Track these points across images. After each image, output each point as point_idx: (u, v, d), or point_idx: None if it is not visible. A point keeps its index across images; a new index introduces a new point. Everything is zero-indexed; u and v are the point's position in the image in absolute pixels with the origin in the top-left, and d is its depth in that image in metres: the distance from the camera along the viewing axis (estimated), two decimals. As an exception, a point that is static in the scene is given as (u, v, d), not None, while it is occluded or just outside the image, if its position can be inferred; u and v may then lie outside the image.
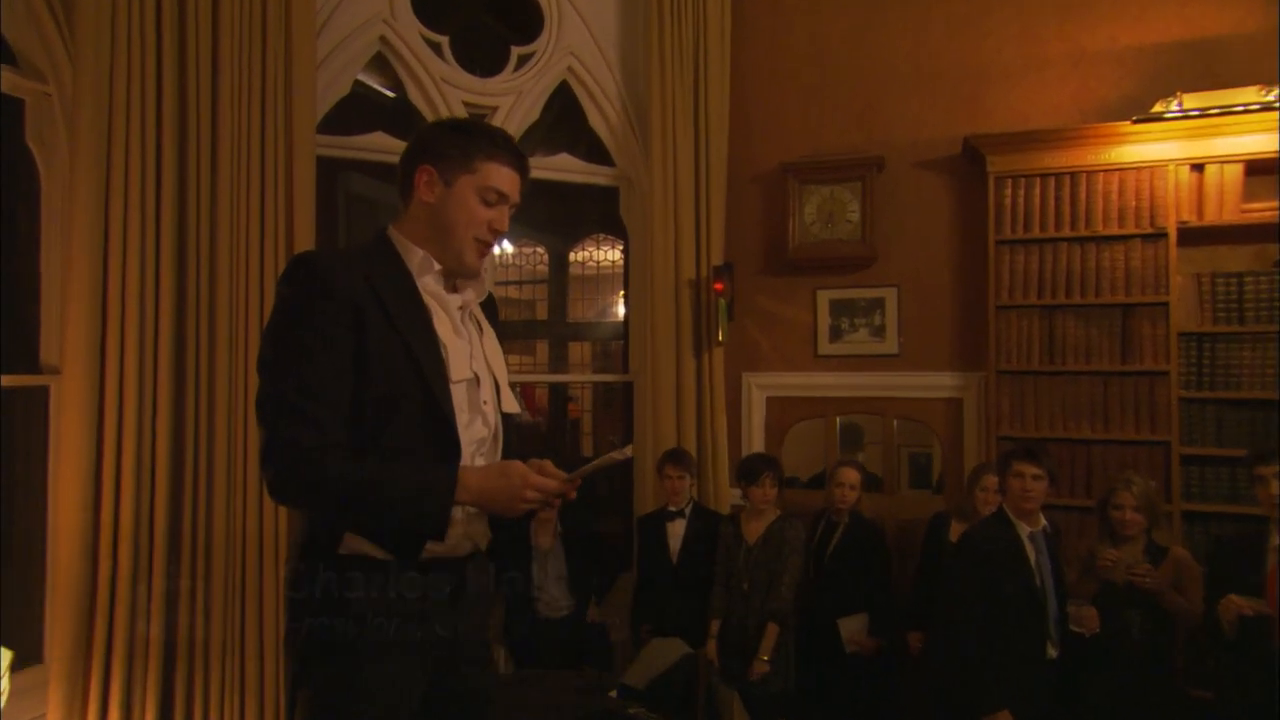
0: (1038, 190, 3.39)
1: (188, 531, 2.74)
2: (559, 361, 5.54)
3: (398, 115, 3.69)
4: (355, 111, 3.52)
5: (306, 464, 1.32)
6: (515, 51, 3.74)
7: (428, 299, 1.47)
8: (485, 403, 1.52)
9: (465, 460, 1.45)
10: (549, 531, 3.50)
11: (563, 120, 4.01)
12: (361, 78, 3.57)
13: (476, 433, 1.50)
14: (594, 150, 3.94)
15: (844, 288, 3.83)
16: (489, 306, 1.65)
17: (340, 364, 1.35)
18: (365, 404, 1.37)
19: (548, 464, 1.44)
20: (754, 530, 3.29)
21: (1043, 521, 2.70)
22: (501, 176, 1.50)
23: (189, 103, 2.75)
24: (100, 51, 2.54)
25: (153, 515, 2.68)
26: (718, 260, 3.75)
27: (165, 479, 2.70)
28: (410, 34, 3.46)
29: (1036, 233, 3.38)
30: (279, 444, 1.33)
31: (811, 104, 3.91)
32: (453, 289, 1.54)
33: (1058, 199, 3.37)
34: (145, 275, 2.67)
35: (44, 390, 2.70)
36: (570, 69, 3.77)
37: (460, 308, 1.52)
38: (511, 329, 4.41)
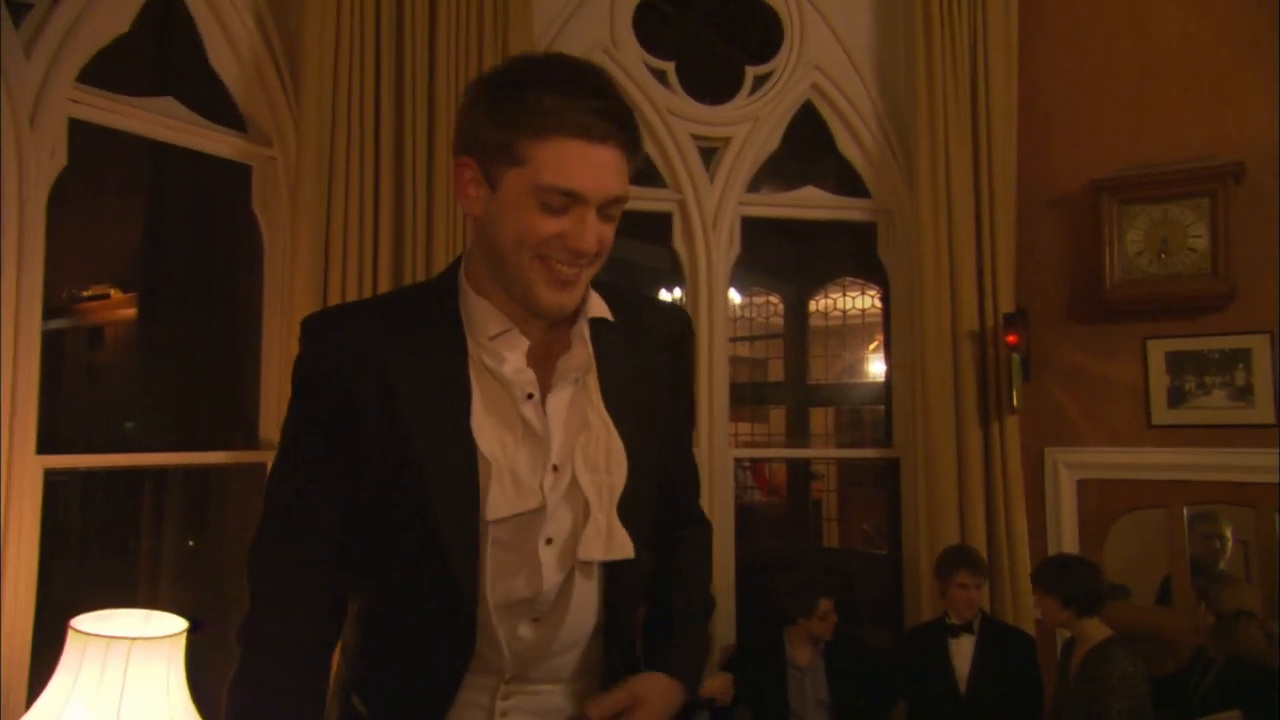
0: None
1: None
2: (798, 432, 5.41)
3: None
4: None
5: (250, 683, 1.13)
6: (750, 72, 3.76)
7: (477, 379, 1.11)
8: (548, 541, 1.13)
9: (504, 635, 1.13)
10: (809, 642, 3.34)
11: (804, 147, 3.96)
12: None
13: (513, 592, 1.13)
14: (844, 180, 3.87)
15: (1188, 336, 3.46)
16: (674, 348, 1.26)
17: (331, 496, 1.12)
18: (354, 545, 1.14)
19: None
20: (1077, 656, 2.98)
21: None
22: (569, 163, 1.03)
23: (404, 166, 2.96)
24: (322, 114, 2.82)
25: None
26: (1008, 306, 3.54)
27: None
28: (632, 62, 3.59)
29: None
30: (243, 627, 1.15)
31: (1132, 101, 3.60)
32: (546, 357, 1.15)
33: None
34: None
35: (261, 468, 2.92)
36: (815, 86, 3.74)
37: (529, 395, 1.12)
38: (740, 392, 4.34)
